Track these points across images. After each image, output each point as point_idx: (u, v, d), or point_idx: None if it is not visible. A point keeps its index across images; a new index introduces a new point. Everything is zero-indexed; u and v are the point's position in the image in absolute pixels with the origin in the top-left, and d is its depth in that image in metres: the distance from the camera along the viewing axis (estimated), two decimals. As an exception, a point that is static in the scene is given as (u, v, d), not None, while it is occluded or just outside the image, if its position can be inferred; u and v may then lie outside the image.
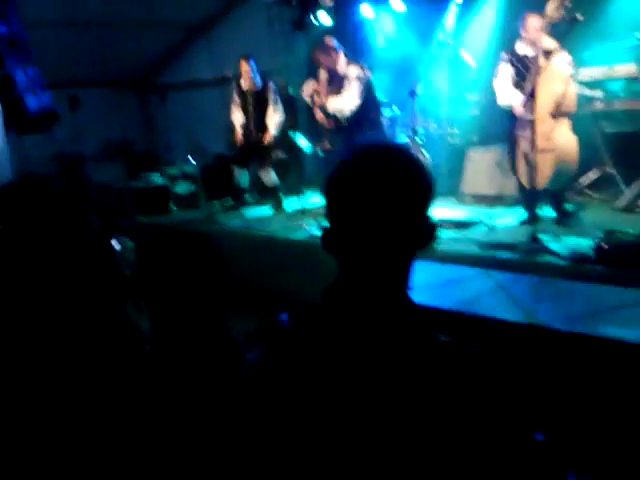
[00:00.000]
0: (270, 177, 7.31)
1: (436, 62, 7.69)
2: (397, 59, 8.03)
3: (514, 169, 5.65)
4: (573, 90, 5.28)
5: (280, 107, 7.25)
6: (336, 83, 6.70)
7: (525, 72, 5.34)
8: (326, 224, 1.18)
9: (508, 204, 6.36)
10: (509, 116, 5.55)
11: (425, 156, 6.57)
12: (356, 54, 7.00)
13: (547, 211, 5.64)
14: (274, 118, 7.19)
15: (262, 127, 7.18)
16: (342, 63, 6.68)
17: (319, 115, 6.89)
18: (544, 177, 5.18)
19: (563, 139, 5.26)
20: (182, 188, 8.27)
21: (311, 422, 1.10)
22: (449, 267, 4.31)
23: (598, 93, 6.08)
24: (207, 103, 9.00)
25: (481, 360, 1.10)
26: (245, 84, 7.20)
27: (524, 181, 5.41)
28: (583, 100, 5.77)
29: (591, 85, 6.07)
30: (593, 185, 6.28)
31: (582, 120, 5.67)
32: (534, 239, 4.64)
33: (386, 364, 1.08)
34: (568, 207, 5.65)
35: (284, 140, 7.34)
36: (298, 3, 7.65)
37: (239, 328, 1.90)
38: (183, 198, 8.14)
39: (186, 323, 1.66)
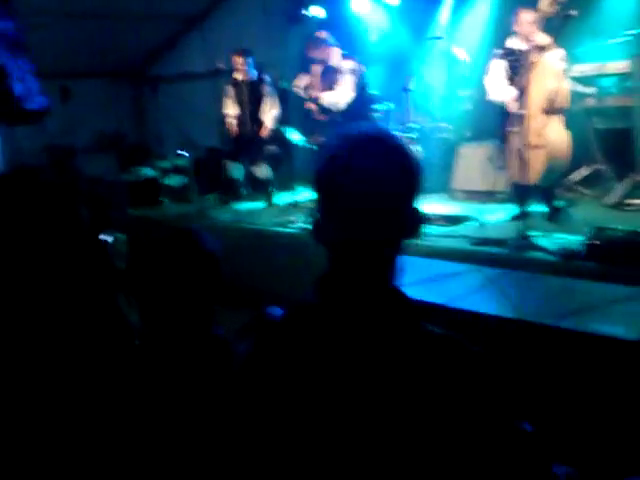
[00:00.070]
0: (263, 171, 7.29)
1: (429, 57, 7.69)
2: (390, 54, 8.02)
3: (506, 165, 5.67)
4: (566, 86, 5.29)
5: (276, 100, 7.23)
6: (329, 77, 6.70)
7: (518, 67, 5.35)
8: (316, 215, 1.18)
9: (499, 200, 6.37)
10: (501, 112, 5.56)
11: (417, 151, 6.58)
12: (349, 48, 7.00)
13: (538, 207, 5.65)
14: (271, 112, 7.17)
15: (256, 119, 7.16)
16: (336, 57, 6.67)
17: (313, 108, 6.88)
18: (535, 173, 5.19)
19: (555, 135, 5.27)
20: (174, 181, 8.24)
21: (301, 411, 1.10)
22: (439, 262, 4.32)
23: (591, 89, 6.09)
24: (199, 95, 8.94)
25: (468, 350, 1.10)
26: (239, 76, 7.17)
27: (516, 177, 5.42)
28: (575, 96, 5.79)
29: (583, 81, 6.08)
30: (584, 181, 6.30)
31: (574, 116, 5.68)
32: (524, 235, 4.65)
33: (374, 353, 1.08)
34: (559, 203, 5.67)
35: (276, 134, 7.33)
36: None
37: (229, 322, 1.90)
38: (175, 191, 8.12)
39: (174, 318, 1.66)
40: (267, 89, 7.18)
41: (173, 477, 1.53)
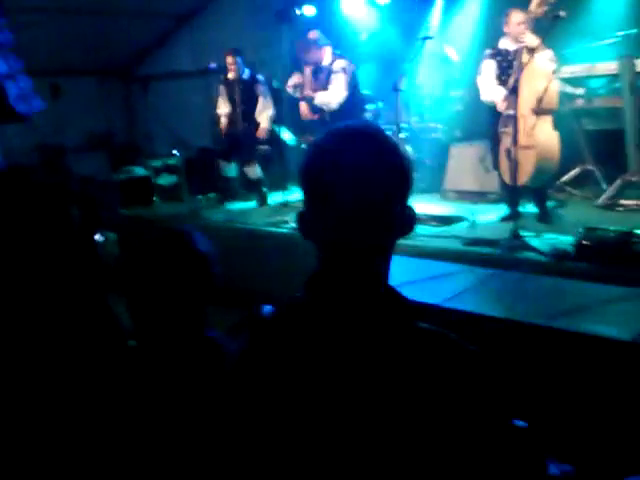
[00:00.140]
0: (255, 171, 7.28)
1: (420, 57, 7.69)
2: (381, 53, 8.03)
3: (497, 165, 5.69)
4: (555, 87, 5.32)
5: (271, 100, 7.22)
6: (321, 77, 6.69)
7: (508, 68, 5.38)
8: (303, 210, 1.16)
9: (491, 200, 6.39)
10: (492, 112, 5.59)
11: (409, 151, 6.59)
12: (340, 47, 6.99)
13: (529, 208, 5.67)
14: (266, 112, 7.15)
15: (249, 119, 7.14)
16: (327, 57, 6.66)
17: (303, 108, 6.88)
18: (526, 174, 5.21)
19: (545, 136, 5.30)
20: (165, 180, 8.21)
21: (295, 410, 1.10)
22: (431, 263, 4.33)
23: (580, 90, 6.12)
24: (189, 94, 8.92)
25: (462, 348, 1.10)
26: (230, 75, 7.15)
27: (506, 177, 5.44)
28: (564, 97, 5.81)
29: (572, 82, 6.11)
30: (574, 182, 6.33)
31: (563, 117, 5.71)
32: (516, 236, 4.67)
33: (367, 351, 1.08)
34: (549, 204, 5.69)
35: (269, 134, 7.32)
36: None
37: (221, 321, 1.89)
38: (166, 190, 8.09)
39: (165, 319, 1.65)
40: (261, 89, 7.16)
41: (169, 478, 1.53)
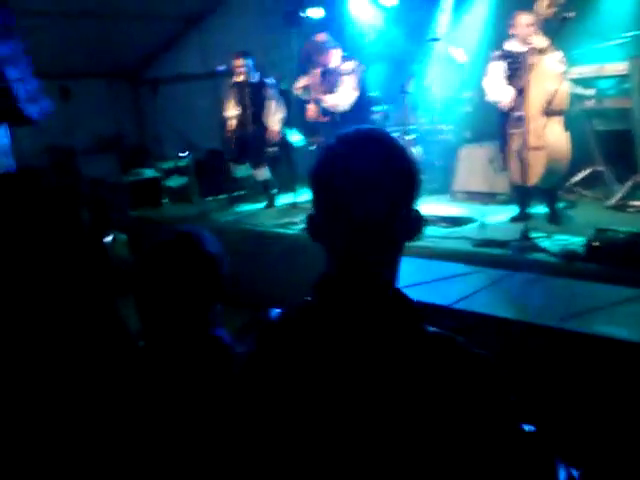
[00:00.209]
0: (263, 173, 7.29)
1: (429, 59, 7.68)
2: (389, 55, 8.02)
3: (506, 166, 5.67)
4: (565, 88, 5.30)
5: (282, 103, 7.22)
6: (330, 79, 6.69)
7: (516, 69, 5.35)
8: (312, 212, 1.17)
9: (500, 201, 6.37)
10: (501, 113, 5.57)
11: (417, 152, 6.57)
12: (348, 49, 6.99)
13: (539, 209, 5.65)
14: (276, 115, 7.15)
15: (258, 121, 7.14)
16: (336, 60, 6.66)
17: (312, 110, 6.87)
18: (536, 175, 5.19)
19: (555, 137, 5.28)
20: (175, 182, 8.24)
21: (301, 411, 1.10)
22: (441, 264, 4.32)
23: (591, 91, 6.09)
24: (198, 97, 8.94)
25: (468, 352, 1.09)
26: (239, 78, 7.16)
27: (516, 178, 5.42)
28: (574, 98, 5.79)
29: (582, 83, 6.08)
30: (584, 183, 6.30)
31: (573, 118, 5.69)
32: (526, 237, 4.65)
33: (374, 354, 1.08)
34: (559, 205, 5.67)
35: (279, 136, 7.33)
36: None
37: (229, 322, 1.89)
38: (176, 192, 8.12)
39: (174, 320, 1.65)
40: (271, 92, 7.15)
41: (175, 477, 1.53)
